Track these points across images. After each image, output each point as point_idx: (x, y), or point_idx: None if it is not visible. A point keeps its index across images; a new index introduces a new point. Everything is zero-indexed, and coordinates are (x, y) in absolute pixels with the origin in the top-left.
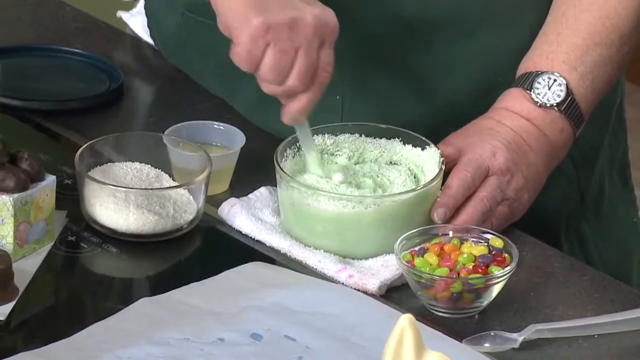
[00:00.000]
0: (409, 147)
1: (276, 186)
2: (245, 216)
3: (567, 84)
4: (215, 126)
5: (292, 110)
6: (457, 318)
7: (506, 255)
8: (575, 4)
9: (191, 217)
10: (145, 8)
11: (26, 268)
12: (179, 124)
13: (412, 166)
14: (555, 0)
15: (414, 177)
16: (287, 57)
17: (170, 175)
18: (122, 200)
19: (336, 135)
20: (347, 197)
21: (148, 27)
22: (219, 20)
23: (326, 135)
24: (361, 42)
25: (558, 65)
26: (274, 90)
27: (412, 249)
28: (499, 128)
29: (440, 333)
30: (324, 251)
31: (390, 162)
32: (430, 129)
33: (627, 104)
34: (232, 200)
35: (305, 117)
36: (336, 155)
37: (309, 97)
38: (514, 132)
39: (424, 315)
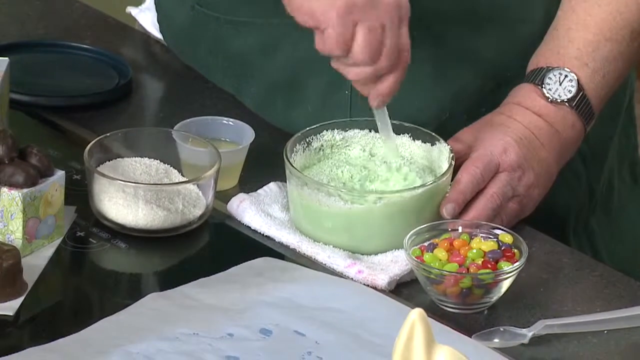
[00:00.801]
0: (418, 142)
1: (285, 182)
2: (255, 212)
3: (578, 80)
4: (225, 121)
5: (382, 92)
6: (467, 313)
7: (515, 250)
8: None
9: (200, 212)
10: (155, 3)
11: (35, 263)
12: (188, 120)
13: (423, 162)
14: None
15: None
16: (376, 34)
17: (180, 171)
18: (131, 195)
19: (346, 131)
20: (356, 192)
21: (157, 22)
22: (292, 9)
23: (335, 131)
24: None
25: (569, 61)
26: (364, 73)
27: (421, 245)
28: (510, 124)
29: (449, 328)
30: (333, 247)
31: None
32: (440, 124)
33: (637, 102)
34: (241, 195)
35: (391, 98)
36: (347, 149)
37: (396, 76)
38: (525, 128)
39: (433, 311)
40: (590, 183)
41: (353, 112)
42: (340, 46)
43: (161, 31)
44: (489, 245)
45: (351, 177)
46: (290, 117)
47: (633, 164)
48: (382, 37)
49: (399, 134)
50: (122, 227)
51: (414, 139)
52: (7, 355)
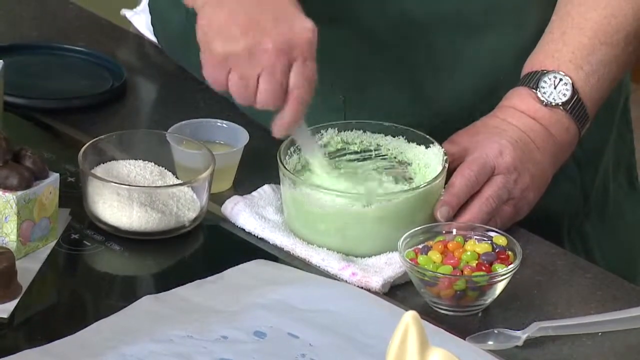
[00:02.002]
0: (413, 145)
1: (279, 184)
2: (249, 214)
3: (572, 84)
4: (219, 124)
5: (277, 126)
6: (461, 316)
7: (510, 253)
8: (580, 2)
9: (194, 215)
10: (149, 6)
11: (29, 266)
12: (182, 122)
13: (418, 163)
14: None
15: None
16: (247, 82)
17: (174, 173)
18: (126, 198)
19: (339, 134)
20: (350, 195)
21: (152, 24)
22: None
23: (329, 133)
24: (364, 42)
25: (564, 65)
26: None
27: (415, 247)
28: (506, 127)
29: (443, 331)
30: (327, 249)
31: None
32: (434, 128)
33: (632, 104)
34: (236, 198)
35: (291, 130)
36: (342, 152)
37: (288, 114)
38: (520, 130)
39: (427, 313)
40: (584, 187)
41: (347, 116)
42: (216, 87)
43: (155, 34)
44: (483, 247)
45: (345, 179)
46: None
47: (629, 168)
48: (256, 83)
49: (395, 136)
50: (117, 229)
51: (408, 141)
52: (1, 357)
